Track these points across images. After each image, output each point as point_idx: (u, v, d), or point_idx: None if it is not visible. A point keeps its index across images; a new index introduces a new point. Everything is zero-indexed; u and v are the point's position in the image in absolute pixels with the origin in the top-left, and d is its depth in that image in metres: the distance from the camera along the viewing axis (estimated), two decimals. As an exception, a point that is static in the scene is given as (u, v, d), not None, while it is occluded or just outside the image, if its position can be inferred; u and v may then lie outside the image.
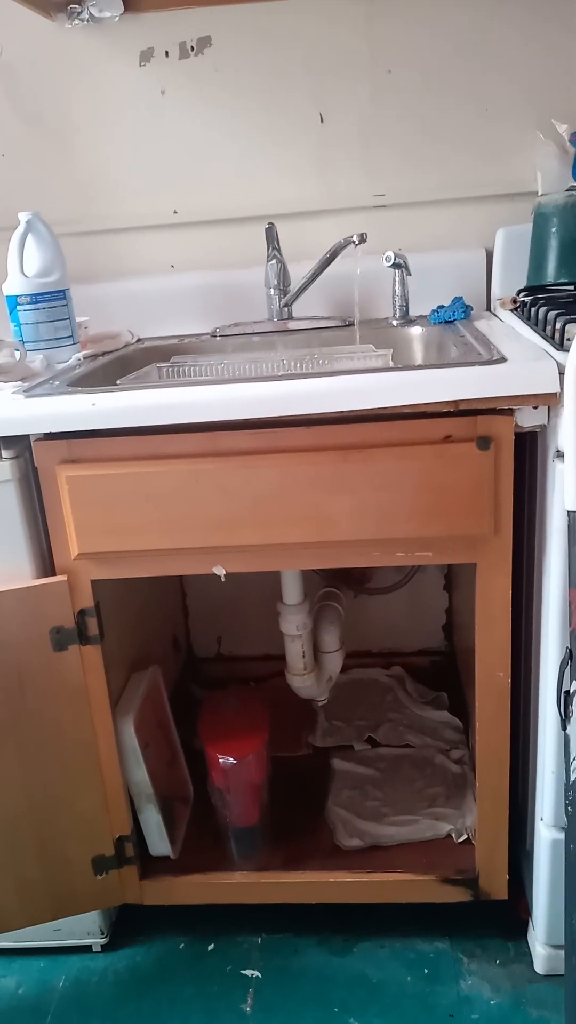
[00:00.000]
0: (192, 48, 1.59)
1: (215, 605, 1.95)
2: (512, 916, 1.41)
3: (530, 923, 1.38)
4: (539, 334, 1.24)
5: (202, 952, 1.45)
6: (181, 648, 1.95)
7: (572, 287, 1.44)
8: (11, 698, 1.25)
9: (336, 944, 1.44)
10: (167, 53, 1.59)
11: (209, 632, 1.99)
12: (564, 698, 1.00)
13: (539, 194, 1.53)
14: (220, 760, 1.41)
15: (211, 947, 1.45)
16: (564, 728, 1.05)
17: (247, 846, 1.47)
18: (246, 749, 1.42)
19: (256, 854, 1.46)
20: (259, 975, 1.39)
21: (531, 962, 1.37)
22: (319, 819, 1.52)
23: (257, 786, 1.46)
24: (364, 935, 1.44)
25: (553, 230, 1.46)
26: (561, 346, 1.14)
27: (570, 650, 1.03)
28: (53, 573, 1.25)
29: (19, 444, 1.20)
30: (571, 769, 1.00)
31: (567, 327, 1.14)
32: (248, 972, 1.40)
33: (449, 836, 1.45)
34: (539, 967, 1.35)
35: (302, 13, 1.55)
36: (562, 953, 1.31)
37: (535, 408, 1.12)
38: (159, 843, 1.44)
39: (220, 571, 1.22)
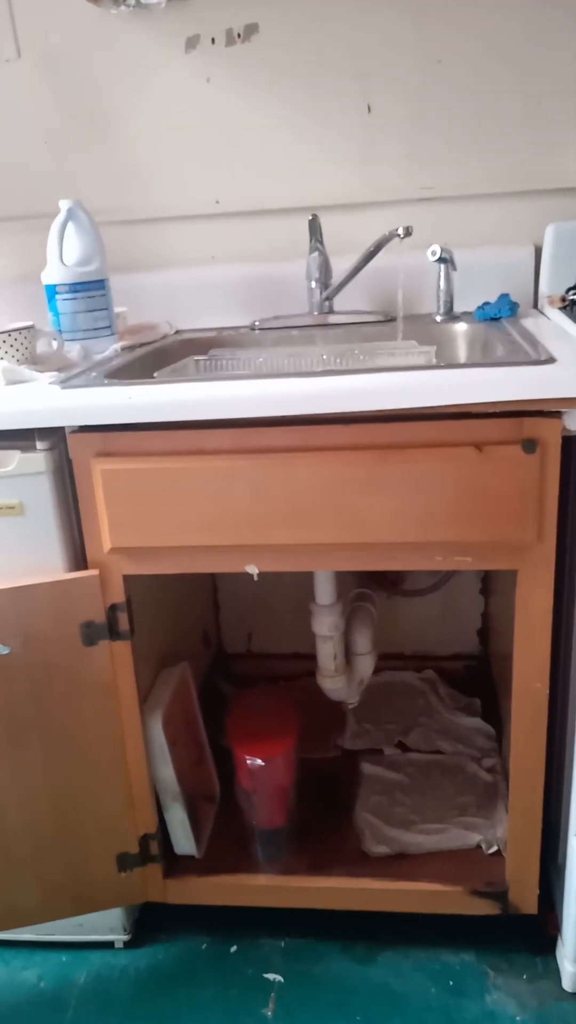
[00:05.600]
0: (239, 35, 1.56)
1: (246, 601, 1.93)
2: (541, 931, 1.38)
3: (559, 939, 1.34)
4: (589, 335, 1.20)
5: (224, 953, 1.43)
6: (211, 643, 1.93)
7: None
8: (39, 692, 1.24)
9: (360, 952, 1.41)
10: (213, 40, 1.57)
11: (239, 628, 1.97)
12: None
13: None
14: (248, 761, 1.39)
15: (233, 949, 1.44)
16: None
17: (273, 848, 1.45)
18: (275, 751, 1.40)
19: (281, 857, 1.44)
20: (281, 980, 1.37)
21: (559, 979, 1.33)
22: (346, 823, 1.50)
23: (284, 788, 1.43)
24: (389, 943, 1.42)
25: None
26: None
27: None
28: (85, 567, 1.23)
29: (54, 436, 1.18)
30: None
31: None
32: (270, 976, 1.38)
33: (479, 847, 1.42)
34: (567, 984, 1.32)
35: (352, 1, 1.52)
36: (593, 973, 1.28)
37: (584, 411, 1.08)
38: (184, 842, 1.42)
39: (253, 570, 1.19)
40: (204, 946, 1.45)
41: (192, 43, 1.57)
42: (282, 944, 1.44)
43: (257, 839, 1.45)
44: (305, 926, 1.44)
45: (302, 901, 1.41)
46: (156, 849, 1.37)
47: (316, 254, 1.56)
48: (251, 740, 1.42)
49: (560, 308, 1.42)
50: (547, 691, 1.20)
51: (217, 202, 1.65)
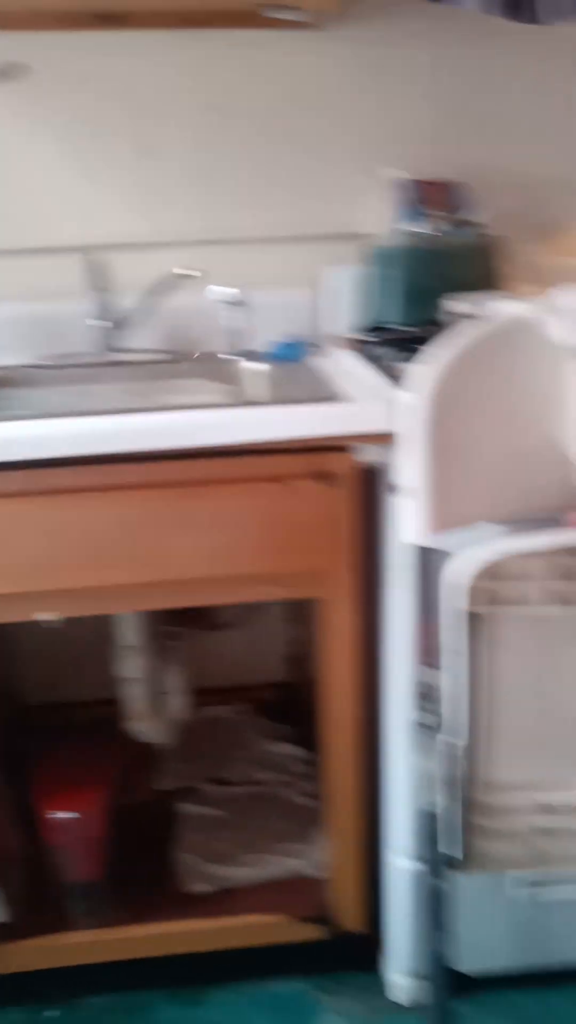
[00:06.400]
0: (8, 73, 1.52)
1: (46, 648, 1.86)
2: (372, 950, 1.40)
3: (386, 953, 1.38)
4: (375, 373, 1.26)
5: (43, 1022, 1.36)
6: (7, 697, 1.83)
7: (406, 328, 1.47)
8: None
9: (188, 996, 1.39)
10: (-18, 76, 1.52)
11: (41, 678, 1.88)
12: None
13: (372, 236, 1.56)
14: (58, 816, 1.33)
15: (56, 1015, 1.36)
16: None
17: (93, 902, 1.39)
18: (84, 803, 1.35)
19: (103, 910, 1.39)
20: (109, 1039, 1.33)
21: (387, 992, 1.37)
22: (167, 867, 1.47)
23: (99, 839, 1.38)
24: (218, 983, 1.40)
25: (386, 271, 1.49)
26: (396, 385, 1.16)
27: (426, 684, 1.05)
28: None
29: None
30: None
31: (401, 366, 1.16)
32: (96, 1037, 1.33)
33: (301, 873, 1.44)
34: (393, 995, 1.36)
35: (127, 45, 1.53)
36: (416, 982, 1.32)
37: (373, 445, 1.13)
38: (-6, 909, 1.35)
39: (46, 617, 1.15)
40: (19, 1017, 1.37)
41: (-41, 78, 1.52)
42: (108, 1000, 1.38)
43: (74, 894, 1.39)
44: (131, 977, 1.40)
45: (124, 952, 1.37)
46: (-38, 921, 1.29)
47: (98, 293, 1.54)
48: (58, 794, 1.36)
49: (347, 348, 1.48)
50: (356, 713, 1.24)
51: (-7, 239, 1.60)
